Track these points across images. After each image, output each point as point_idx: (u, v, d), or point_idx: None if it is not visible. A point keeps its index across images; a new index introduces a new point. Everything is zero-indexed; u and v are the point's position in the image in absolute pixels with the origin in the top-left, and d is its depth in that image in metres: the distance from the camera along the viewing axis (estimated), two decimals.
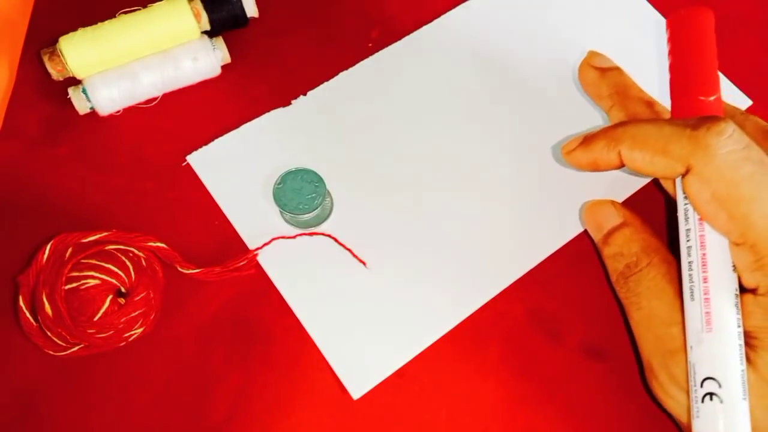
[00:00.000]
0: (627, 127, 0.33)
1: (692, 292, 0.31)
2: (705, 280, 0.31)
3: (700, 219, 0.32)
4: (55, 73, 0.40)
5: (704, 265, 0.31)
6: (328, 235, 0.38)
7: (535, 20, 0.44)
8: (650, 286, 0.33)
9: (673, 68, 0.37)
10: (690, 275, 0.32)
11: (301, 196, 0.37)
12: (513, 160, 0.41)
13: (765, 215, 0.29)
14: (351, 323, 0.37)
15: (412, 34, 0.44)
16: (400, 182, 0.40)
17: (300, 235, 0.38)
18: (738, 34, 0.44)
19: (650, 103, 0.38)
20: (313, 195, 0.37)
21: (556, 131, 0.41)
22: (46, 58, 0.39)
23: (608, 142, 0.33)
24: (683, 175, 0.31)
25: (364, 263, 0.38)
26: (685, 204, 0.32)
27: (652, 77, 0.42)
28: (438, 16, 0.45)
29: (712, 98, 0.35)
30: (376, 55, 0.43)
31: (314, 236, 0.38)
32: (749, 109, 0.42)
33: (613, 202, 0.36)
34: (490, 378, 0.36)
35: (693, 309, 0.31)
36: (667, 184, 0.36)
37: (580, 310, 0.37)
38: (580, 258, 0.38)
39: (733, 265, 0.31)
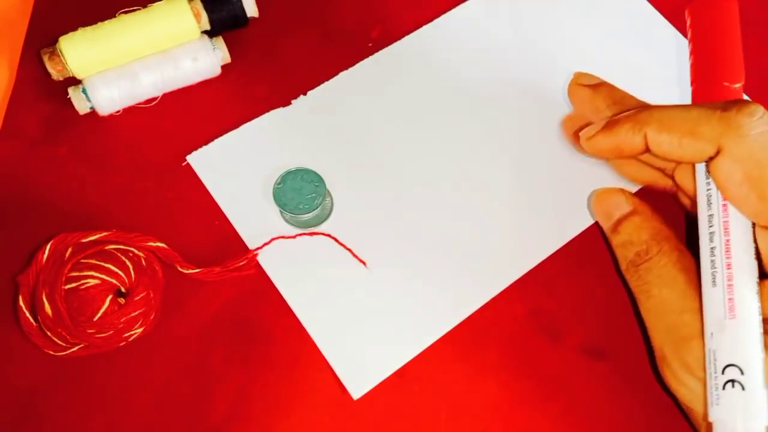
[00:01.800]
0: (653, 111, 0.33)
1: (714, 278, 0.31)
2: (729, 266, 0.31)
3: (724, 204, 0.31)
4: (55, 73, 0.40)
5: (728, 251, 0.31)
6: (328, 235, 0.38)
7: (535, 19, 0.44)
8: (661, 274, 0.33)
9: (695, 54, 0.36)
10: (712, 261, 0.31)
11: (301, 195, 0.37)
12: (513, 159, 0.40)
13: None
14: (351, 323, 0.37)
15: (411, 34, 0.44)
16: (400, 182, 0.40)
17: (300, 234, 0.38)
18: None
19: (649, 106, 0.37)
20: (313, 195, 0.37)
21: (557, 131, 0.41)
22: (46, 58, 0.39)
23: (633, 125, 0.33)
24: (711, 158, 0.31)
25: (364, 263, 0.38)
26: (708, 189, 0.32)
27: (654, 80, 0.42)
28: (438, 15, 0.45)
29: (737, 85, 0.35)
30: (376, 55, 0.43)
31: (314, 236, 0.38)
32: None
33: (622, 190, 0.36)
34: (491, 378, 0.36)
35: (715, 295, 0.31)
36: (682, 175, 0.35)
37: (580, 310, 0.37)
38: (580, 258, 0.38)
39: (756, 252, 0.31)
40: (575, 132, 0.37)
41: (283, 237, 0.38)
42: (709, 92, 0.35)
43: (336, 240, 0.38)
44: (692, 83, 0.36)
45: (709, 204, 0.32)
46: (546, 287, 0.38)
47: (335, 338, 0.36)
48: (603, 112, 0.38)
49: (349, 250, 0.38)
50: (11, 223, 0.39)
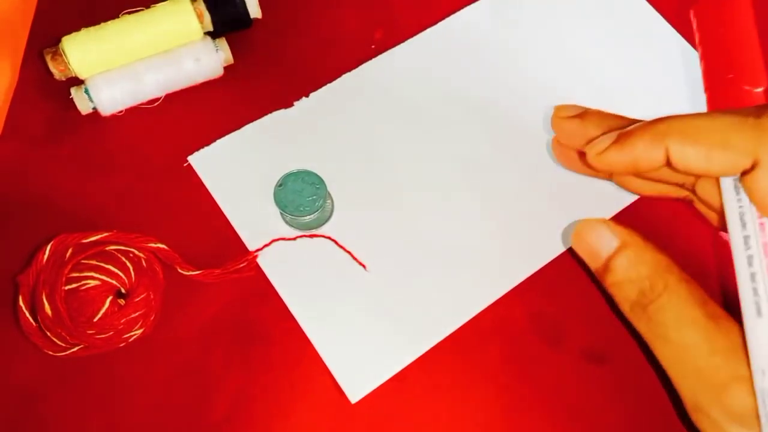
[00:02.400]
0: (673, 121, 0.29)
1: (759, 307, 0.27)
2: None
3: (761, 222, 0.28)
4: (57, 73, 0.40)
5: None
6: (329, 237, 0.38)
7: (537, 23, 0.44)
8: (675, 315, 0.29)
9: (707, 58, 0.33)
10: (754, 288, 0.28)
11: (302, 197, 0.37)
12: (516, 164, 0.40)
13: None
14: (350, 326, 0.37)
15: (415, 37, 0.44)
16: (401, 185, 0.40)
17: (300, 236, 0.38)
18: None
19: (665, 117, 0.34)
20: (314, 197, 0.37)
21: None
22: (48, 58, 0.40)
23: (653, 138, 0.29)
24: (746, 172, 0.28)
25: (364, 266, 0.38)
26: (740, 207, 0.29)
27: (656, 83, 0.42)
28: (441, 18, 0.44)
29: (759, 89, 0.31)
30: (379, 57, 0.43)
31: (314, 238, 0.38)
32: None
33: (604, 221, 0.31)
34: (491, 382, 0.36)
35: (761, 326, 0.27)
36: (705, 189, 0.32)
37: (581, 315, 0.37)
38: (581, 263, 0.38)
39: None
40: (578, 150, 0.34)
41: (283, 239, 0.38)
42: (728, 98, 0.32)
43: (336, 242, 0.38)
44: (707, 90, 0.33)
45: (743, 224, 0.29)
46: (547, 292, 0.38)
47: (334, 341, 0.36)
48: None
49: (349, 252, 0.38)
50: (12, 223, 0.39)
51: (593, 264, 0.32)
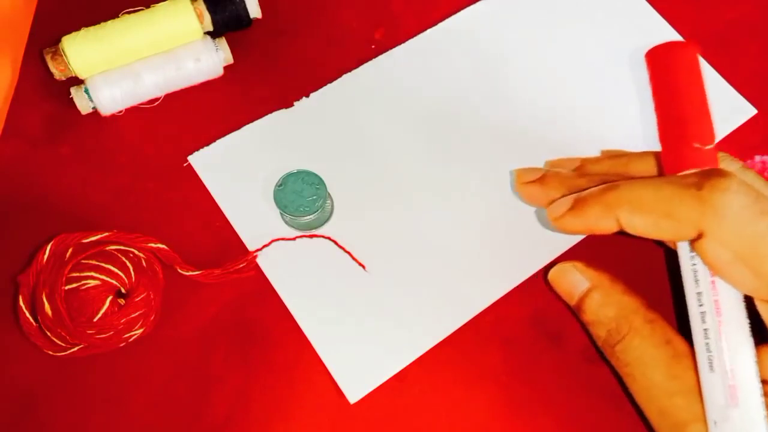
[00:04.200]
0: (622, 190, 0.31)
1: (711, 363, 0.29)
2: (724, 350, 0.29)
3: (713, 281, 0.30)
4: (57, 73, 0.40)
5: (722, 333, 0.29)
6: (328, 238, 0.38)
7: (537, 23, 0.44)
8: (638, 355, 0.31)
9: (660, 110, 0.33)
10: (707, 344, 0.29)
11: (302, 198, 0.37)
12: (516, 164, 0.40)
13: None
14: (349, 326, 0.37)
15: (415, 38, 0.44)
16: (401, 185, 0.40)
17: (300, 237, 0.38)
18: (742, 41, 0.44)
19: (608, 156, 0.36)
20: (314, 197, 0.37)
21: (560, 136, 0.41)
22: (48, 58, 0.39)
23: (603, 209, 0.31)
24: (694, 239, 0.29)
25: (363, 266, 0.38)
26: (693, 265, 0.30)
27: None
28: (442, 19, 0.44)
29: (709, 147, 0.32)
30: (379, 57, 0.43)
31: (314, 238, 0.38)
32: (754, 118, 0.42)
33: (575, 264, 0.34)
34: (491, 382, 0.36)
35: (713, 381, 0.29)
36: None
37: None
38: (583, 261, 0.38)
39: (749, 322, 0.29)
40: (549, 203, 0.35)
41: (282, 239, 0.38)
42: (679, 155, 0.32)
43: (336, 243, 0.38)
44: (660, 143, 0.33)
45: (696, 281, 0.30)
46: (547, 292, 0.38)
47: (333, 341, 0.36)
48: (563, 192, 0.35)
49: (349, 253, 0.38)
50: (12, 222, 0.39)
51: (569, 302, 0.34)
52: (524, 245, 0.38)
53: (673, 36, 0.44)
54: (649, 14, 0.44)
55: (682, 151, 0.32)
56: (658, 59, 0.34)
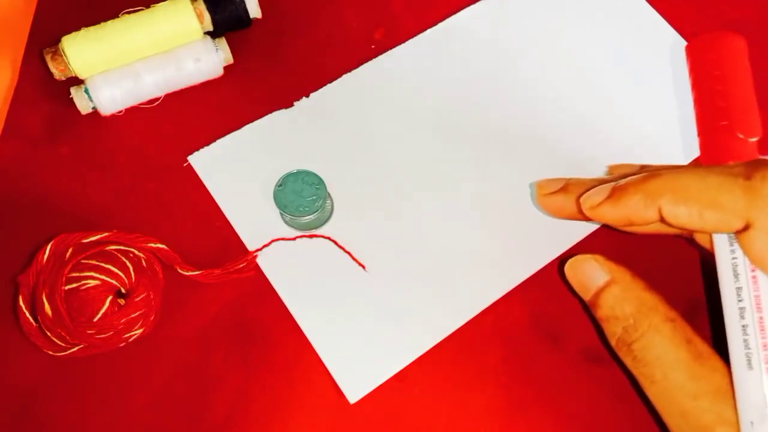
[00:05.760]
0: (665, 178, 0.29)
1: (749, 360, 0.28)
2: (765, 346, 0.28)
3: (753, 275, 0.29)
4: (57, 73, 0.40)
5: (763, 329, 0.28)
6: (328, 238, 0.38)
7: (541, 25, 0.44)
8: (660, 355, 0.29)
9: (701, 102, 0.32)
10: (745, 340, 0.28)
11: (302, 198, 0.37)
12: (516, 164, 0.40)
13: None
14: (349, 326, 0.37)
15: (415, 38, 0.44)
16: (401, 185, 0.40)
17: (300, 237, 0.38)
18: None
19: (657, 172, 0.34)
20: (314, 197, 0.37)
21: (561, 137, 0.41)
22: (48, 58, 0.39)
23: (645, 197, 0.29)
24: (740, 231, 0.28)
25: (363, 266, 0.38)
26: (733, 258, 0.29)
27: (659, 87, 0.42)
28: (442, 19, 0.44)
29: (753, 139, 0.31)
30: (379, 57, 0.43)
31: (314, 238, 0.38)
32: None
33: (596, 257, 0.32)
34: (491, 382, 0.36)
35: (751, 379, 0.28)
36: (704, 239, 0.32)
37: (581, 315, 0.37)
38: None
39: None
40: (577, 198, 0.34)
41: (282, 239, 0.38)
42: (721, 146, 0.31)
43: (336, 243, 0.38)
44: (700, 134, 0.32)
45: (736, 275, 0.29)
46: (547, 292, 0.38)
47: (333, 341, 0.36)
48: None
49: (349, 253, 0.38)
50: (11, 222, 0.39)
51: (584, 296, 0.33)
52: (524, 245, 0.38)
53: (674, 36, 0.44)
54: (649, 14, 0.44)
55: (726, 141, 0.31)
56: (703, 49, 0.33)
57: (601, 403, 0.36)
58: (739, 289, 0.29)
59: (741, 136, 0.31)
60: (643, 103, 0.42)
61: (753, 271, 0.29)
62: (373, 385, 0.35)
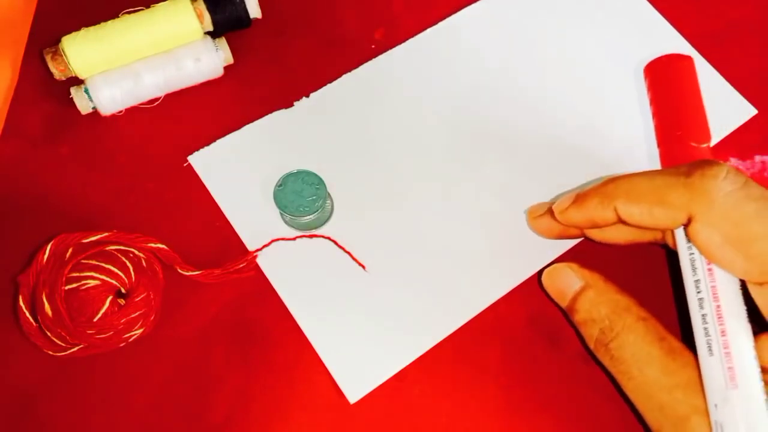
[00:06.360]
0: (619, 182, 0.32)
1: (710, 347, 0.30)
2: (723, 333, 0.30)
3: (709, 268, 0.31)
4: (57, 73, 0.40)
5: (720, 317, 0.30)
6: (328, 238, 0.38)
7: (537, 22, 0.44)
8: (635, 352, 0.31)
9: (658, 115, 0.36)
10: (705, 329, 0.30)
11: (302, 198, 0.37)
12: (516, 164, 0.40)
13: None
14: (349, 326, 0.37)
15: (415, 37, 0.44)
16: (401, 185, 0.40)
17: (300, 237, 0.38)
18: (743, 41, 0.44)
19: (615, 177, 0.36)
20: (314, 197, 0.37)
21: (561, 137, 0.41)
22: (48, 58, 0.39)
23: (602, 200, 0.33)
24: (686, 225, 0.30)
25: (363, 266, 0.38)
26: (691, 254, 0.31)
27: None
28: (442, 18, 0.44)
29: (704, 145, 0.34)
30: (379, 57, 0.43)
31: (314, 238, 0.38)
32: (754, 118, 0.42)
33: (569, 265, 0.35)
34: (490, 383, 0.36)
35: (713, 365, 0.30)
36: (667, 237, 0.34)
37: None
38: (581, 263, 0.38)
39: (747, 310, 0.30)
40: (547, 211, 0.36)
41: (282, 239, 0.38)
42: (677, 154, 0.35)
43: (336, 243, 0.38)
44: (659, 145, 0.36)
45: (694, 269, 0.31)
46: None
47: (333, 341, 0.36)
48: (588, 217, 0.35)
49: (349, 253, 0.38)
50: (12, 223, 0.39)
51: (561, 303, 0.35)
52: (524, 246, 0.38)
53: (674, 36, 0.44)
54: (649, 14, 0.44)
55: (680, 149, 0.35)
56: (657, 70, 0.38)
57: (599, 403, 0.36)
58: (697, 281, 0.31)
59: (694, 144, 0.35)
60: (643, 103, 0.42)
61: (709, 264, 0.31)
62: (373, 385, 0.36)
